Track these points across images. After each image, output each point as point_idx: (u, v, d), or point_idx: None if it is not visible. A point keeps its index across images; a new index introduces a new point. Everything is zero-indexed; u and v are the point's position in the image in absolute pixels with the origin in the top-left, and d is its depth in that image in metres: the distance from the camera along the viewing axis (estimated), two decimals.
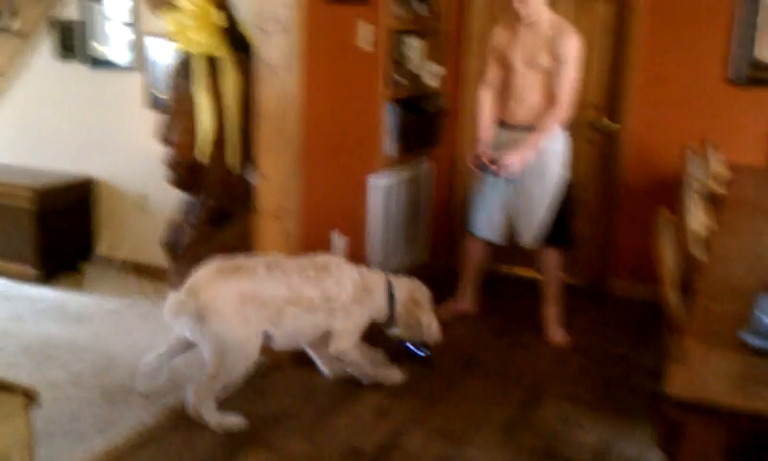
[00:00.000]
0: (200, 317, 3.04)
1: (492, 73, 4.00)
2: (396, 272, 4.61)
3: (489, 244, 4.22)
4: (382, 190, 4.46)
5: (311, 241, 3.78)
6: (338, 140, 3.99)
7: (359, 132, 4.22)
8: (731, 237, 2.83)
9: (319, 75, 3.69)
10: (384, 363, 3.60)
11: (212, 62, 3.83)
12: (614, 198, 4.72)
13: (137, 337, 3.91)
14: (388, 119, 4.46)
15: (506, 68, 3.93)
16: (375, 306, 3.47)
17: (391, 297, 3.51)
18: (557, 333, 4.09)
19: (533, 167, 3.85)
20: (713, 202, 3.60)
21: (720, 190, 3.71)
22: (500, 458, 2.99)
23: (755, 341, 1.85)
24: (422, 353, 3.74)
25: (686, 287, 2.38)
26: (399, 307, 3.52)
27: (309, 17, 3.50)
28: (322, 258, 3.41)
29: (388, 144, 4.51)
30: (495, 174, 3.86)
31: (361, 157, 4.28)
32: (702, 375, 1.68)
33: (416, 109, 4.69)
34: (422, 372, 3.69)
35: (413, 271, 4.89)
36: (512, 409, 3.38)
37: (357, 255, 4.26)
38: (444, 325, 4.19)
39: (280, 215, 3.59)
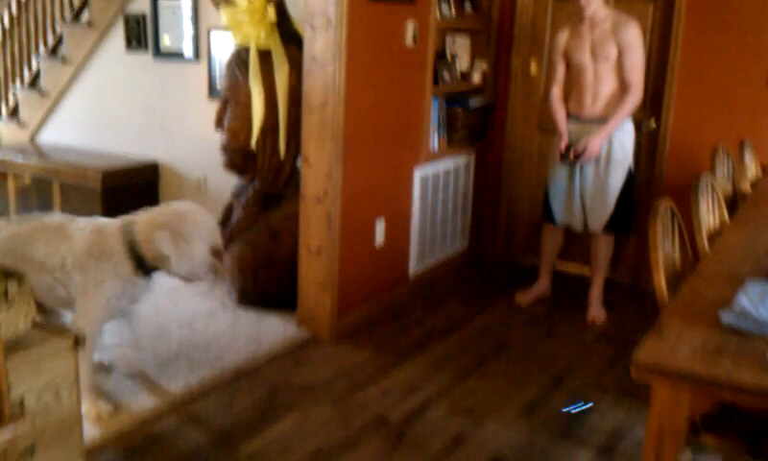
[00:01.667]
0: None
1: (561, 73, 4.28)
2: (436, 262, 4.85)
3: (563, 232, 4.53)
4: (426, 181, 4.64)
5: (353, 225, 3.99)
6: (382, 131, 4.18)
7: (404, 124, 4.40)
8: (739, 231, 2.90)
9: (364, 69, 3.89)
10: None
11: (265, 55, 4.09)
12: (656, 196, 4.77)
13: (192, 312, 4.21)
14: (433, 113, 4.64)
15: (574, 67, 4.19)
16: (117, 271, 3.00)
17: (132, 246, 3.01)
18: (599, 313, 4.38)
19: (606, 157, 4.12)
20: (737, 199, 3.66)
21: (747, 188, 3.76)
22: (516, 435, 3.14)
23: (730, 319, 1.95)
24: (583, 406, 3.52)
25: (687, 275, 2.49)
26: (145, 251, 3.00)
27: (355, 14, 3.71)
28: (57, 219, 3.17)
29: (433, 137, 4.70)
30: (577, 160, 4.14)
31: (406, 149, 4.46)
32: (674, 346, 1.81)
33: (462, 103, 4.86)
34: (454, 351, 3.90)
35: (452, 261, 5.10)
36: (535, 391, 3.52)
37: (399, 242, 4.46)
38: (502, 311, 4.51)
39: (323, 200, 3.82)
